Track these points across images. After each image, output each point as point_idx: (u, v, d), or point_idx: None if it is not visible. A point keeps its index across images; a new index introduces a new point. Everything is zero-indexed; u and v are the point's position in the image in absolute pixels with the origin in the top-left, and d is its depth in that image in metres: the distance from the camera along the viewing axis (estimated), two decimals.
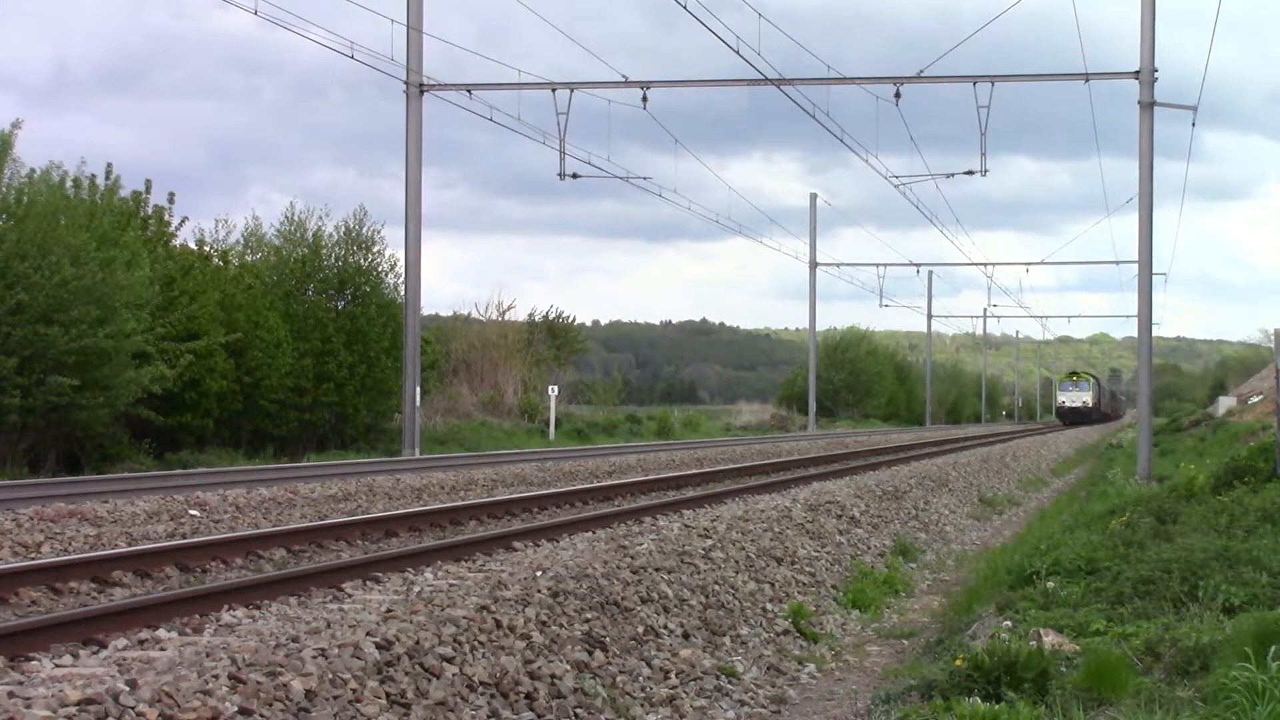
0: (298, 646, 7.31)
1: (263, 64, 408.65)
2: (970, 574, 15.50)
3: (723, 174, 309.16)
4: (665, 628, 10.36)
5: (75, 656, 7.51)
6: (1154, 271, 28.97)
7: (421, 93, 30.67)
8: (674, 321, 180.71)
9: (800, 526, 15.99)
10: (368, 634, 7.71)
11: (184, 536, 13.98)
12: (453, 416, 43.96)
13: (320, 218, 38.07)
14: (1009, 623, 9.93)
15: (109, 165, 30.41)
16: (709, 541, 13.16)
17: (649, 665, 9.55)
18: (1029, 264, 66.75)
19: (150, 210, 32.30)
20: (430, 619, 8.32)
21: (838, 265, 69.01)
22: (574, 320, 62.05)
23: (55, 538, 13.27)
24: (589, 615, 9.64)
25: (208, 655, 7.07)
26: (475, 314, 56.71)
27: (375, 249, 38.18)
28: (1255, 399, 50.97)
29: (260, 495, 17.67)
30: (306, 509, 17.14)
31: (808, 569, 14.32)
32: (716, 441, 46.32)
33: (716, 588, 11.85)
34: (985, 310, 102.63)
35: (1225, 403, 56.11)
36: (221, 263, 34.93)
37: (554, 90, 30.41)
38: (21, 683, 6.55)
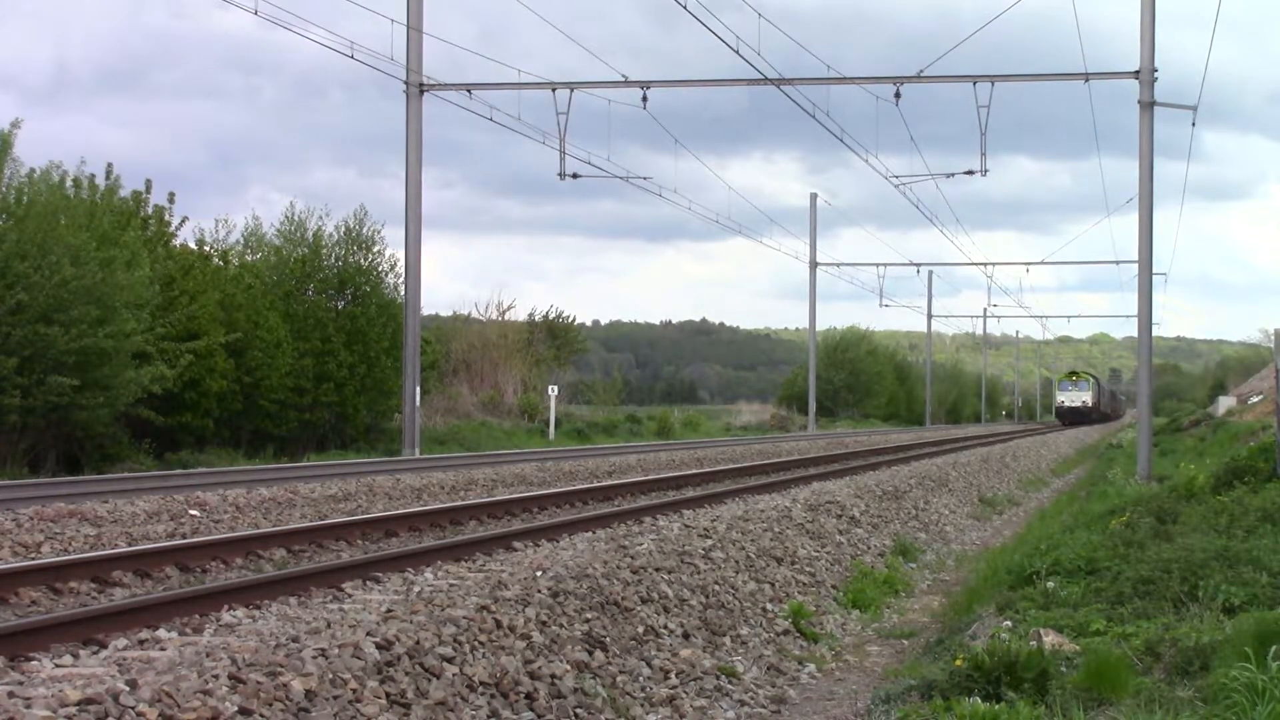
0: (298, 646, 7.31)
1: (263, 64, 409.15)
2: (970, 574, 15.50)
3: (723, 174, 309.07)
4: (665, 628, 10.36)
5: (75, 656, 7.51)
6: (1154, 271, 28.98)
7: (421, 93, 30.67)
8: (674, 321, 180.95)
9: (800, 526, 15.99)
10: (368, 634, 7.71)
11: (184, 536, 13.98)
12: (453, 416, 43.97)
13: (320, 218, 38.14)
14: (1009, 623, 9.93)
15: (109, 165, 30.48)
16: (709, 541, 13.16)
17: (649, 665, 9.55)
18: (1029, 264, 66.84)
19: (150, 210, 32.31)
20: (430, 619, 8.32)
21: (838, 265, 69.14)
22: (574, 320, 62.17)
23: (55, 538, 13.27)
24: (589, 615, 9.64)
25: (208, 655, 7.07)
26: (475, 314, 56.80)
27: (375, 249, 38.24)
28: (1255, 399, 50.97)
29: (260, 495, 17.67)
30: (306, 509, 17.14)
31: (808, 569, 14.32)
32: (716, 441, 46.32)
33: (716, 588, 11.86)
34: (985, 310, 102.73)
35: (1225, 403, 56.12)
36: (221, 263, 34.93)
37: (554, 90, 30.42)
38: (21, 683, 6.55)
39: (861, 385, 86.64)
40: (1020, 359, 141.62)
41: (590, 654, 9.08)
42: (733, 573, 12.57)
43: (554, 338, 58.58)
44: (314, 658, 7.11)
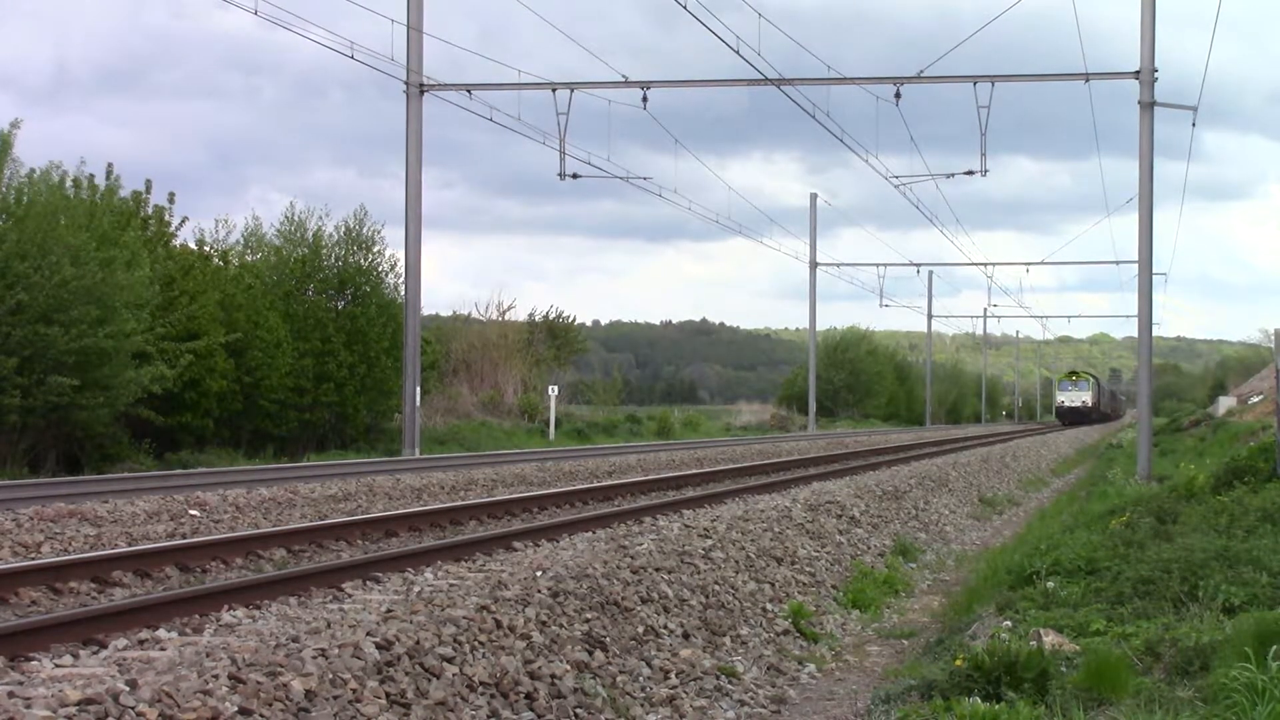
0: (298, 646, 7.31)
1: (263, 64, 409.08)
2: (970, 574, 15.50)
3: (723, 174, 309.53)
4: (665, 628, 10.36)
5: (75, 656, 7.51)
6: (1154, 271, 28.99)
7: (421, 93, 30.67)
8: (674, 321, 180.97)
9: (800, 526, 15.99)
10: (368, 634, 7.71)
11: (184, 536, 13.98)
12: (453, 416, 43.97)
13: (320, 218, 38.16)
14: (1009, 623, 9.93)
15: (109, 165, 30.51)
16: (709, 541, 13.16)
17: (649, 665, 9.55)
18: (1029, 264, 66.87)
19: (150, 210, 32.32)
20: (430, 619, 8.32)
21: (838, 265, 69.14)
22: (574, 320, 62.17)
23: (55, 538, 13.27)
24: (589, 615, 9.64)
25: (208, 655, 7.07)
26: (475, 314, 56.82)
27: (375, 249, 38.26)
28: (1255, 399, 50.97)
29: (260, 495, 17.67)
30: (306, 509, 17.15)
31: (808, 569, 14.32)
32: (716, 441, 46.32)
33: (716, 588, 11.85)
34: (985, 310, 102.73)
35: (1225, 403, 56.12)
36: (221, 263, 34.94)
37: (554, 90, 30.42)
38: (21, 683, 6.55)
39: (861, 385, 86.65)
40: (1020, 359, 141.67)
41: (590, 654, 9.08)
42: (733, 573, 12.56)
43: (554, 338, 58.59)
44: (314, 658, 7.11)
